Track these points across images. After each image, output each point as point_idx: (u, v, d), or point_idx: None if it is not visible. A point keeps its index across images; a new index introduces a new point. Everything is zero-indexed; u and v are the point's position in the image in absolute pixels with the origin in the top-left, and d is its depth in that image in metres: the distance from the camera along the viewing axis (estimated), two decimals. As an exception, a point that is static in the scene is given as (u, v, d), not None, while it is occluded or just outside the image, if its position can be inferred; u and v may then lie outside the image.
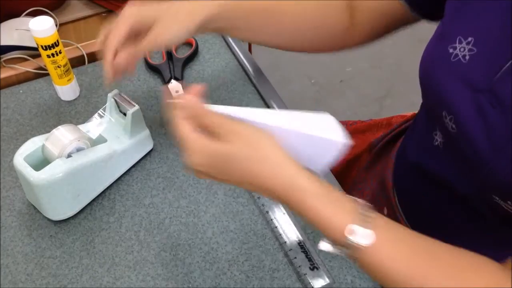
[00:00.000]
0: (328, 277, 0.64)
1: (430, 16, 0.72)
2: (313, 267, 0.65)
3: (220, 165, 0.51)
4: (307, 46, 0.79)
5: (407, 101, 1.95)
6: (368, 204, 0.50)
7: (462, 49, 0.60)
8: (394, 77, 2.03)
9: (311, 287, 0.63)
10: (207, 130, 0.52)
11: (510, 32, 0.57)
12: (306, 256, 0.66)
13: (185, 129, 0.52)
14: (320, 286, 0.64)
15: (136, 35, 0.67)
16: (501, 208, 0.60)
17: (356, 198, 0.51)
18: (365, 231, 0.48)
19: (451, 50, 0.61)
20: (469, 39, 0.60)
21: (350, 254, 0.49)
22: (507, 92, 0.56)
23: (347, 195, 0.51)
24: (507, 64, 0.56)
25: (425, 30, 0.75)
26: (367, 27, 0.76)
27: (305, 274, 0.64)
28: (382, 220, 0.50)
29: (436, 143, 0.69)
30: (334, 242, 0.49)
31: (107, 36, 0.66)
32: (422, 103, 0.76)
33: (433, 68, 0.64)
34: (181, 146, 0.52)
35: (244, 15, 0.73)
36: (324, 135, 0.53)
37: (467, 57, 0.60)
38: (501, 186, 0.58)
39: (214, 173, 0.52)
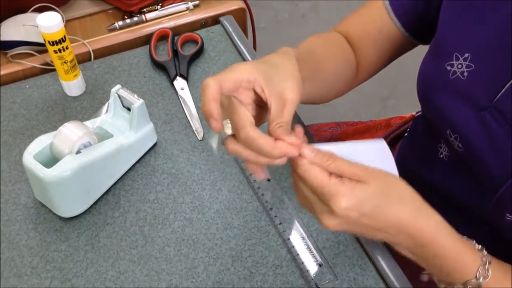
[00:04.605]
0: (331, 274, 0.65)
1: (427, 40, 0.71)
2: (316, 264, 0.65)
3: (369, 205, 0.49)
4: (335, 93, 0.74)
5: (410, 102, 1.94)
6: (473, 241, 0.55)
7: (459, 66, 0.59)
8: (397, 77, 2.03)
9: (314, 284, 0.64)
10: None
11: (510, 48, 0.55)
12: (310, 253, 0.66)
13: (322, 176, 0.49)
14: (323, 283, 0.64)
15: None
16: None
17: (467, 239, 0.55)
18: (487, 269, 0.53)
19: (448, 68, 0.60)
20: (466, 55, 0.59)
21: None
22: None
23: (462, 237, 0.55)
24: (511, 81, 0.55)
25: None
26: (371, 58, 0.74)
27: (308, 271, 0.65)
28: (493, 259, 0.55)
29: (441, 155, 0.68)
30: (458, 280, 0.54)
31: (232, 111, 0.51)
32: (422, 114, 0.75)
33: (431, 87, 0.63)
34: (320, 194, 0.49)
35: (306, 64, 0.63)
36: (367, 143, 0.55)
37: (465, 74, 0.59)
38: None
39: (359, 216, 0.49)
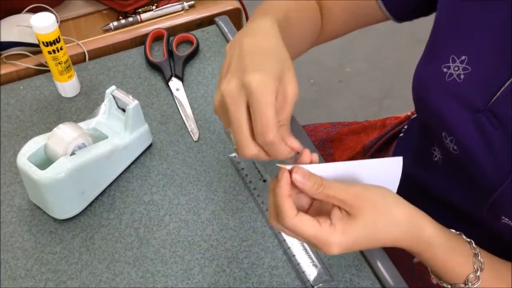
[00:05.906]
0: (327, 275, 0.64)
1: (402, 18, 0.72)
2: (312, 265, 0.65)
3: (362, 241, 0.50)
4: (295, 54, 0.73)
5: (406, 102, 1.95)
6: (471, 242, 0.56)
7: (456, 68, 0.59)
8: (393, 78, 2.04)
9: (310, 285, 0.64)
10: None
11: (507, 51, 0.55)
12: (306, 254, 0.66)
13: (312, 228, 0.49)
14: (319, 284, 0.64)
15: None
16: (509, 228, 0.59)
17: (463, 237, 0.56)
18: (478, 276, 0.54)
19: (445, 70, 0.60)
20: (463, 57, 0.59)
21: None
22: (508, 113, 0.55)
23: (459, 236, 0.56)
24: (507, 84, 0.55)
25: (424, 30, 0.75)
26: (339, 25, 0.75)
27: (304, 272, 0.65)
28: (486, 258, 0.56)
29: (436, 158, 0.68)
30: (451, 284, 0.56)
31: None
32: (416, 117, 0.75)
33: (427, 89, 0.63)
34: (312, 244, 0.49)
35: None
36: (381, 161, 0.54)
37: (462, 76, 0.59)
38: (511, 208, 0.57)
39: (354, 249, 0.51)
